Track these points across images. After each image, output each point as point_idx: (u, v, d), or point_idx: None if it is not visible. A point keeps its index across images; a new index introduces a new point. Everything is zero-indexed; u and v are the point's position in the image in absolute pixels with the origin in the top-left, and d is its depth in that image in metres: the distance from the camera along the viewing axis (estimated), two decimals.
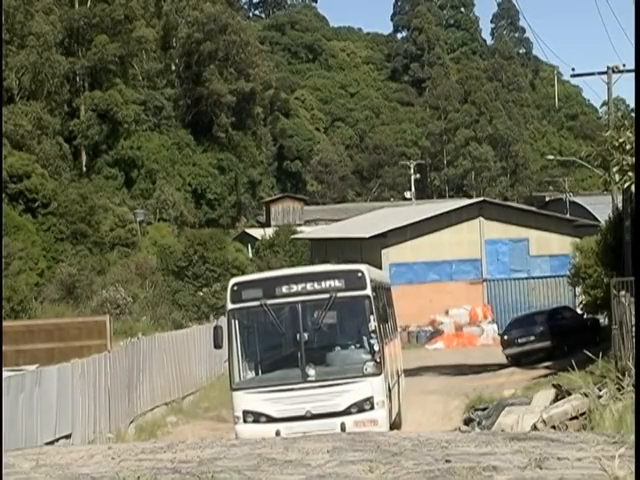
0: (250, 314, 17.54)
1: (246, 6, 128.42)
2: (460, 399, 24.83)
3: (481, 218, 51.29)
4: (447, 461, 3.13)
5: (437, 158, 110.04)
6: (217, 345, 17.66)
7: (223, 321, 19.09)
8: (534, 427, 16.17)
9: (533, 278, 51.08)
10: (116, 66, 77.17)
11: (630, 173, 23.71)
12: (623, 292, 22.22)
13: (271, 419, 16.74)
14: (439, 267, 50.86)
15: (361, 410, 16.64)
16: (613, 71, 35.83)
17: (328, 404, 16.63)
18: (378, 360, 17.00)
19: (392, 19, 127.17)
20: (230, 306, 17.39)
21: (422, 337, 48.18)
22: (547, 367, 30.48)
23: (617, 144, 24.32)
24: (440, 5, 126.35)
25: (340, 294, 17.01)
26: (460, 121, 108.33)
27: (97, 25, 75.82)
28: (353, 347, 17.73)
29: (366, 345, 17.31)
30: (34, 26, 69.79)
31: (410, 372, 30.97)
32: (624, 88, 42.13)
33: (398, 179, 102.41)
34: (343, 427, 16.37)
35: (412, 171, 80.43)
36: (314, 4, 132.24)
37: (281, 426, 16.41)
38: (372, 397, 16.70)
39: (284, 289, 17.17)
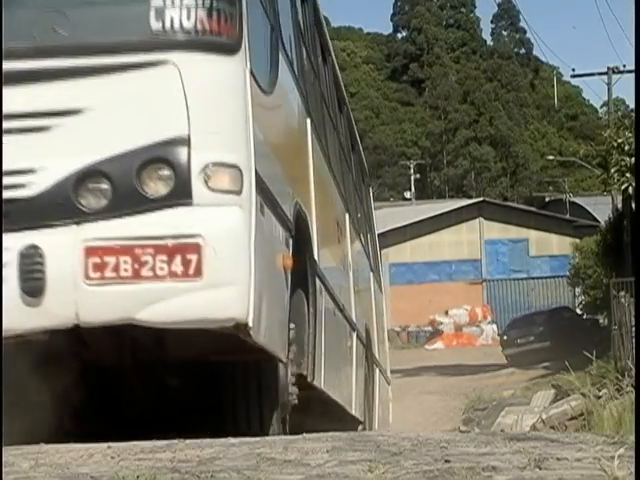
0: None
1: None
2: (459, 399, 24.83)
3: (481, 218, 51.36)
4: (446, 461, 3.14)
5: (437, 158, 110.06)
6: None
7: None
8: (533, 427, 16.17)
9: (533, 278, 51.13)
10: None
11: (628, 174, 23.75)
12: (623, 293, 22.23)
13: None
14: (439, 267, 50.92)
15: (134, 208, 4.43)
16: (613, 72, 35.91)
17: None
18: None
19: (392, 19, 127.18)
20: None
21: (422, 337, 48.23)
22: (546, 367, 30.50)
23: (616, 144, 24.36)
24: (440, 5, 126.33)
25: None
26: (460, 121, 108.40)
27: None
28: None
29: None
30: None
31: (409, 372, 31.00)
32: (624, 89, 42.26)
33: (398, 179, 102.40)
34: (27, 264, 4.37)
35: (412, 171, 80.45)
36: None
37: None
38: (186, 139, 4.45)
39: None
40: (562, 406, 16.77)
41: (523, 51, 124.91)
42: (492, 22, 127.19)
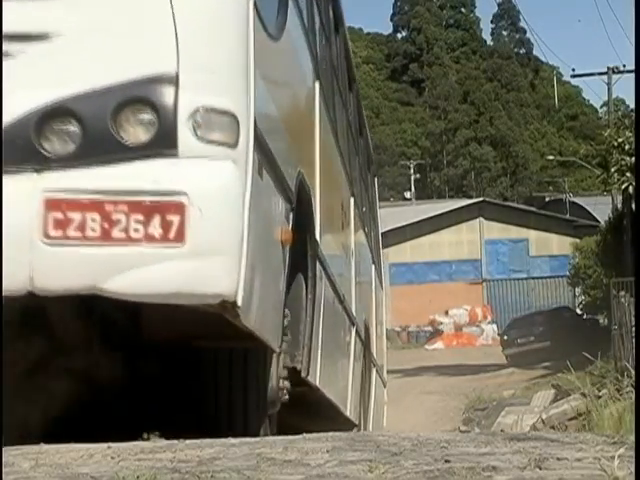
0: None
1: None
2: (459, 399, 24.84)
3: (481, 218, 51.36)
4: (447, 461, 3.13)
5: (437, 158, 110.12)
6: None
7: None
8: (533, 427, 16.17)
9: (533, 278, 51.13)
10: None
11: (628, 174, 23.77)
12: (623, 292, 22.23)
13: None
14: (439, 267, 50.92)
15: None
16: (613, 72, 35.93)
17: None
18: None
19: (392, 19, 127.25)
20: None
21: (422, 337, 48.23)
22: (546, 367, 30.50)
23: (616, 144, 24.38)
24: (440, 5, 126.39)
25: None
26: (460, 121, 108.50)
27: None
28: None
29: None
30: None
31: (409, 372, 31.00)
32: (624, 89, 42.31)
33: (398, 179, 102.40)
34: None
35: (412, 171, 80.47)
36: None
37: None
38: (174, 77, 3.65)
39: None
40: (562, 406, 16.77)
41: (523, 51, 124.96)
42: (492, 22, 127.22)
